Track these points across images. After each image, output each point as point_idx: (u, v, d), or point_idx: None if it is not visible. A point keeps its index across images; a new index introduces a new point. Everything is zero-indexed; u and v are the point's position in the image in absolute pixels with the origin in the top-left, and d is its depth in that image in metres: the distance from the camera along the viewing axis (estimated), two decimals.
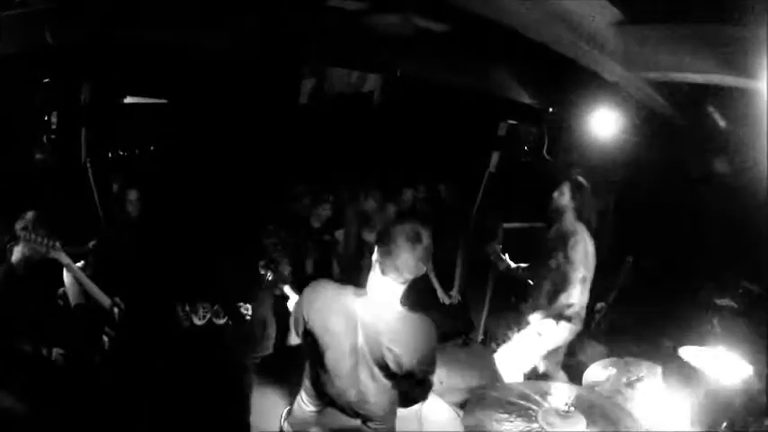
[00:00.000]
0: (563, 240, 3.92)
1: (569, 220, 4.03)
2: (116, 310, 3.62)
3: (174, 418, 3.29)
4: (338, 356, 2.67)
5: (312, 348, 2.76)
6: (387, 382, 2.71)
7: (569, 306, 3.82)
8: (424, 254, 2.47)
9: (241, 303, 3.65)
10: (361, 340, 2.60)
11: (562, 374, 4.28)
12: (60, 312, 3.58)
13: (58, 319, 3.56)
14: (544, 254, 4.10)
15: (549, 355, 4.17)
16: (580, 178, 4.11)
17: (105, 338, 3.68)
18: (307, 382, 3.11)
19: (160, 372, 3.38)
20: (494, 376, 4.22)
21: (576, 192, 4.06)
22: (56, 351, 3.49)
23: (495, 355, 4.23)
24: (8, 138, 4.87)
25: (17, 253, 3.48)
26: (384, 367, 2.60)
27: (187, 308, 3.39)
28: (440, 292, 5.77)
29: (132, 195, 4.89)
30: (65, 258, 3.50)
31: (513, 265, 4.79)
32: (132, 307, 3.59)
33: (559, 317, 3.88)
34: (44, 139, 5.34)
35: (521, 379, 4.05)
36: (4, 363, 3.25)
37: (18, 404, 3.12)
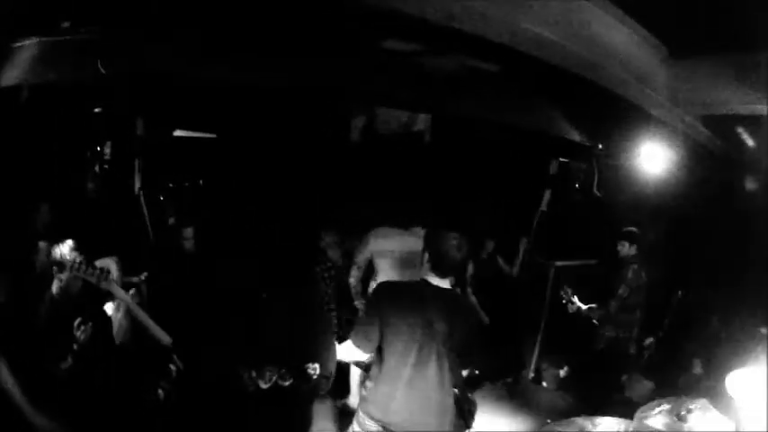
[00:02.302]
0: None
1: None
2: (173, 367, 3.57)
3: None
4: (411, 347, 3.04)
5: (382, 351, 3.11)
6: (450, 381, 3.09)
7: None
8: (465, 255, 3.10)
9: (308, 363, 3.61)
10: (430, 322, 3.02)
11: None
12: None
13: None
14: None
15: None
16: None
17: (161, 391, 3.62)
18: (361, 412, 3.31)
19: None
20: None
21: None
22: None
23: None
24: (61, 167, 5.11)
25: (57, 283, 3.39)
26: (450, 347, 3.04)
27: (254, 373, 3.31)
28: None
29: (188, 232, 4.98)
30: (117, 289, 3.39)
31: (583, 306, 4.95)
32: (189, 359, 3.56)
33: None
34: (96, 168, 5.58)
35: None
36: (47, 388, 3.17)
37: (53, 424, 3.05)
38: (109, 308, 3.54)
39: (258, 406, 3.34)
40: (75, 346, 3.37)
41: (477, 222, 6.69)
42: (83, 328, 3.36)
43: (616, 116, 4.53)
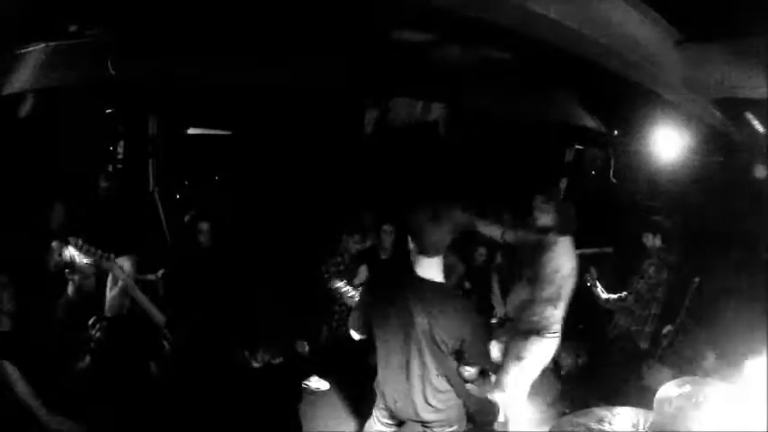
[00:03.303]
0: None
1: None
2: (166, 344, 3.63)
3: None
4: (394, 342, 3.03)
5: (376, 343, 3.14)
6: (438, 376, 3.00)
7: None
8: (448, 227, 2.95)
9: (298, 341, 3.82)
10: (410, 316, 2.94)
11: None
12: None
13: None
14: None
15: None
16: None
17: (152, 366, 3.73)
18: (379, 397, 3.37)
19: (211, 407, 3.38)
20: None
21: None
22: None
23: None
24: (74, 167, 5.18)
25: (71, 285, 3.61)
26: (435, 344, 2.93)
27: (247, 353, 3.40)
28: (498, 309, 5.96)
29: (204, 226, 5.02)
30: (117, 270, 3.54)
31: (604, 295, 4.95)
32: (186, 340, 3.60)
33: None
34: (110, 168, 5.62)
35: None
36: (66, 387, 3.32)
37: (75, 426, 3.18)
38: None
39: (251, 384, 3.40)
40: (91, 345, 3.52)
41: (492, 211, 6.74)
42: (98, 326, 3.53)
43: (630, 101, 4.52)
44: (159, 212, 5.85)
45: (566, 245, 3.99)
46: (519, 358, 4.07)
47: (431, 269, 3.02)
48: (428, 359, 2.97)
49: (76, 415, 3.22)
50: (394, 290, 3.07)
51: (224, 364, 3.46)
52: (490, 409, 3.37)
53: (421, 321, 2.92)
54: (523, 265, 4.14)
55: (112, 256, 3.52)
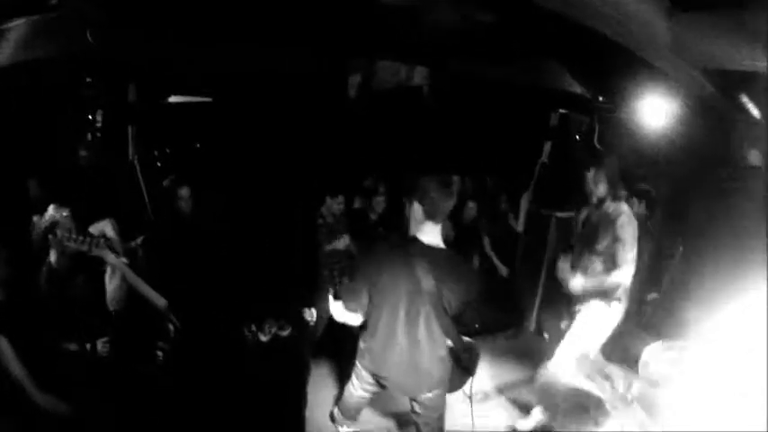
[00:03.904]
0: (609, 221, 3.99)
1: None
2: (171, 327, 3.59)
3: (233, 416, 3.32)
4: (398, 308, 3.09)
5: (372, 311, 3.18)
6: (441, 337, 3.11)
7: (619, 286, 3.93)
8: (454, 197, 3.06)
9: (305, 309, 3.71)
10: (417, 281, 3.01)
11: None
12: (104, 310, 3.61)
13: (104, 318, 3.61)
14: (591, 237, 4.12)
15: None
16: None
17: (159, 353, 3.72)
18: (359, 364, 3.39)
19: (221, 383, 3.35)
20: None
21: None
22: (101, 343, 3.60)
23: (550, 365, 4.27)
24: (53, 136, 5.12)
25: (54, 253, 3.48)
26: (441, 307, 3.03)
27: (254, 327, 3.33)
28: (501, 269, 6.16)
29: (184, 192, 4.96)
30: (109, 256, 3.44)
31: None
32: (187, 319, 3.53)
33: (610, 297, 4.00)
34: (89, 137, 5.52)
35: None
36: (52, 364, 3.27)
37: (65, 406, 3.15)
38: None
39: (259, 358, 3.37)
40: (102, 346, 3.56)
41: (479, 176, 6.76)
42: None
43: (618, 68, 4.48)
44: (139, 180, 5.78)
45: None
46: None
47: (433, 235, 3.09)
48: (434, 323, 3.07)
49: (67, 397, 3.19)
50: (398, 257, 3.10)
51: (231, 340, 3.42)
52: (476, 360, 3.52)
53: (429, 286, 2.99)
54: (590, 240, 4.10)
55: (102, 241, 3.42)
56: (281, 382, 3.46)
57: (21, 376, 3.06)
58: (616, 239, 3.88)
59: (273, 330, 3.35)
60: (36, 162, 4.86)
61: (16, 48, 3.95)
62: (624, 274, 3.86)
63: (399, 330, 3.13)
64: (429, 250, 3.06)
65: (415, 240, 3.09)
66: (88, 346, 3.55)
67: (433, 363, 3.19)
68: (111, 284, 3.60)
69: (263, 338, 3.34)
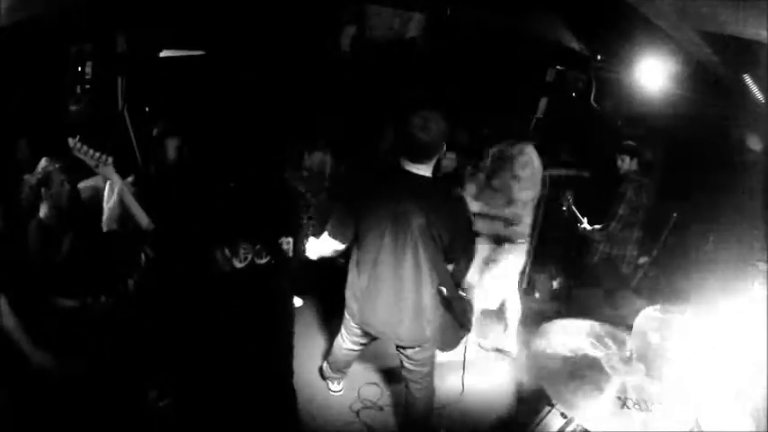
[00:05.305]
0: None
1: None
2: (143, 256, 3.61)
3: (217, 362, 3.27)
4: (384, 235, 3.07)
5: (360, 250, 3.18)
6: (430, 272, 3.08)
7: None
8: (437, 135, 2.95)
9: (282, 239, 3.52)
10: (404, 210, 3.00)
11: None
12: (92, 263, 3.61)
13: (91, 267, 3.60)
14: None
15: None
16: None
17: (130, 282, 3.72)
18: (346, 314, 3.40)
19: (198, 315, 3.27)
20: None
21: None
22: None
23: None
24: (42, 90, 4.99)
25: (44, 207, 3.52)
26: (430, 239, 3.00)
27: (227, 252, 3.12)
28: None
29: (172, 141, 4.75)
30: (114, 175, 3.45)
31: (588, 227, 5.10)
32: (166, 247, 3.53)
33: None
34: (78, 89, 5.43)
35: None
36: (40, 318, 3.27)
37: (51, 359, 3.17)
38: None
39: (235, 287, 3.24)
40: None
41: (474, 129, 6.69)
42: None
43: (618, 23, 4.40)
44: (129, 130, 5.72)
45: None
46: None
47: (423, 170, 3.05)
48: (422, 256, 3.03)
49: (58, 352, 3.20)
50: (385, 188, 3.09)
51: (203, 267, 3.26)
52: (470, 313, 3.48)
53: (418, 216, 2.97)
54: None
55: (110, 159, 3.42)
56: (263, 318, 3.37)
57: (16, 331, 3.08)
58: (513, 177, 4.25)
59: (249, 257, 3.19)
60: (25, 121, 4.77)
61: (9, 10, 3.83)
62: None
63: (383, 267, 3.11)
64: (418, 181, 3.03)
65: (406, 172, 3.05)
66: (89, 299, 3.55)
67: (416, 307, 3.17)
68: (107, 204, 3.60)
69: (239, 265, 3.17)
